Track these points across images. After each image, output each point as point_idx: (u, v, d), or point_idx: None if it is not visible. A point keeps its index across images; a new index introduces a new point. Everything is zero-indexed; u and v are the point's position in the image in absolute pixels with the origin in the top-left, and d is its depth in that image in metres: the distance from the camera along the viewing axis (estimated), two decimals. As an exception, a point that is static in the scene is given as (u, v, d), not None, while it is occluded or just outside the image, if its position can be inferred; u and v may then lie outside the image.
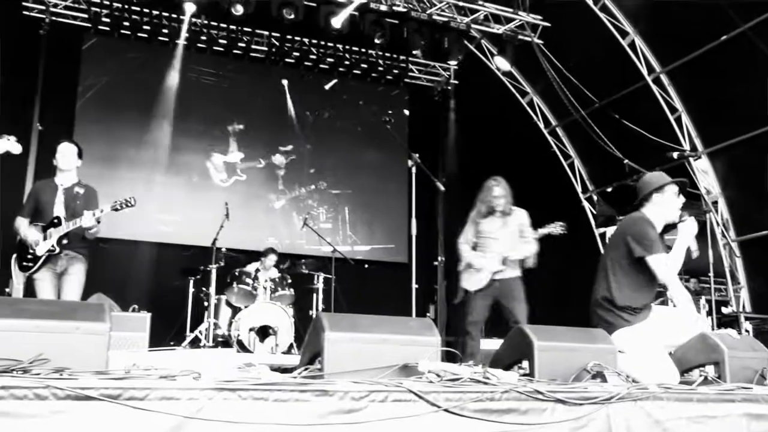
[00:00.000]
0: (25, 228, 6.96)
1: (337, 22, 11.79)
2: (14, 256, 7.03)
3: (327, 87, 14.19)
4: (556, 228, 8.00)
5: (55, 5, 12.28)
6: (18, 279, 7.02)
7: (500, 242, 7.73)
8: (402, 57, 14.15)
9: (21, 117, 11.49)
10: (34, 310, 3.57)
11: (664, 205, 5.53)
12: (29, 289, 7.03)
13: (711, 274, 9.21)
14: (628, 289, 5.36)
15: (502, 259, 7.63)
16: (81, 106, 12.44)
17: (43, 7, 12.15)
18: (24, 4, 12.09)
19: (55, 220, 6.93)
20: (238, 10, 11.42)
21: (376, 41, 12.43)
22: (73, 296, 6.97)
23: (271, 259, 11.31)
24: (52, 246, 6.87)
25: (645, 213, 5.55)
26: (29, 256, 6.89)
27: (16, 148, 6.70)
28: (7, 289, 9.75)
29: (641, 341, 5.13)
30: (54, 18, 12.25)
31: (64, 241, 6.91)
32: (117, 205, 6.99)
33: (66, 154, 7.19)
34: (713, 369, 4.88)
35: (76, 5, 12.40)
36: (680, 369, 5.02)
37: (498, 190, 7.96)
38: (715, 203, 12.51)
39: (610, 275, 5.44)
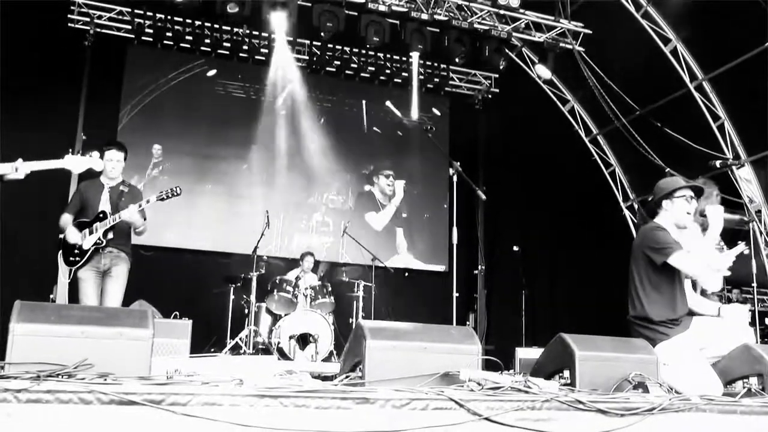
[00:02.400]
0: (69, 228, 7.05)
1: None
2: (59, 253, 7.12)
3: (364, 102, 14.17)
4: None
5: (100, 17, 12.45)
6: (64, 274, 7.10)
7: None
8: (443, 65, 14.14)
9: (66, 126, 11.66)
10: (79, 316, 3.63)
11: (674, 211, 5.44)
12: (74, 289, 7.11)
13: (754, 284, 9.05)
14: (660, 303, 5.29)
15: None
16: (124, 115, 12.59)
17: (87, 19, 12.33)
18: (69, 16, 12.29)
19: (101, 215, 7.02)
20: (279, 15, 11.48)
21: (414, 51, 12.44)
22: (116, 296, 7.05)
23: (309, 261, 11.38)
24: (99, 239, 6.95)
25: (658, 222, 5.48)
26: (76, 251, 6.97)
27: (98, 165, 6.78)
28: (51, 296, 9.92)
29: (682, 353, 5.07)
30: (98, 30, 12.42)
31: (110, 235, 6.99)
32: (163, 195, 7.13)
33: (116, 163, 7.30)
34: (757, 381, 4.80)
35: (120, 17, 12.56)
36: (723, 380, 4.95)
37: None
38: (758, 212, 12.34)
39: (640, 292, 5.38)
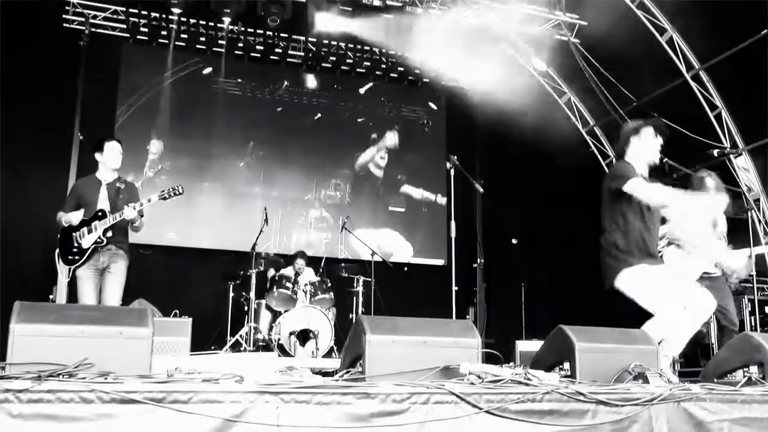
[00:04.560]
0: (67, 215, 7.04)
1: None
2: (56, 251, 7.09)
3: (362, 90, 14.20)
4: None
5: (95, 17, 12.44)
6: (63, 273, 7.09)
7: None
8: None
9: (62, 127, 11.65)
10: (79, 315, 3.63)
11: (642, 146, 5.82)
12: (73, 287, 7.10)
13: (753, 272, 9.06)
14: (627, 236, 5.57)
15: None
16: (121, 114, 12.58)
17: (82, 19, 12.32)
18: (64, 16, 12.27)
19: (99, 213, 7.00)
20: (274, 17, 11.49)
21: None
22: (115, 292, 7.04)
23: (300, 263, 11.33)
24: (99, 238, 6.93)
25: (625, 159, 5.80)
26: (75, 249, 6.95)
27: None
28: (51, 296, 9.91)
29: (644, 277, 5.37)
30: (93, 29, 12.41)
31: (109, 234, 6.98)
32: (165, 194, 7.12)
33: (118, 153, 7.32)
34: (757, 369, 4.81)
35: (115, 16, 12.55)
36: (723, 370, 4.97)
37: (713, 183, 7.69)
38: (756, 201, 12.33)
39: (610, 224, 5.75)
